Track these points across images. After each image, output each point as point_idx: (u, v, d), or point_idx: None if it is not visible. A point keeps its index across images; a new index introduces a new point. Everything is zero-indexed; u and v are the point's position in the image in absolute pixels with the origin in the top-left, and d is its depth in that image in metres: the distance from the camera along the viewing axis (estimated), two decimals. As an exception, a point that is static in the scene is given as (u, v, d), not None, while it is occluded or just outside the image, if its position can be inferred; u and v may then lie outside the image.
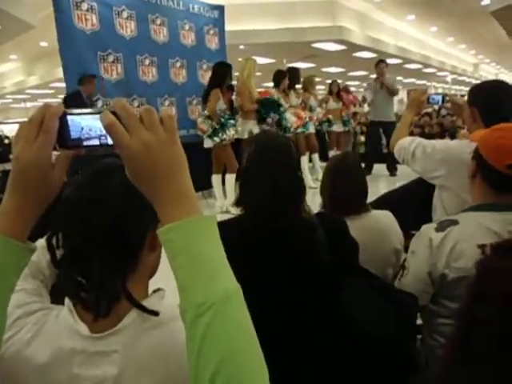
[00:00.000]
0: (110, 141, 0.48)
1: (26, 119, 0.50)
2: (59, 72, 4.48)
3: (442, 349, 1.18)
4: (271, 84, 4.58)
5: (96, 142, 0.50)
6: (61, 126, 0.49)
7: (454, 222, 1.18)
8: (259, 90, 4.58)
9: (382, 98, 5.01)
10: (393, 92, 5.00)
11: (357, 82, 20.43)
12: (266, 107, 4.13)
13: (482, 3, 9.58)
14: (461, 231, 1.15)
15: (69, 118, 0.49)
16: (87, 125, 0.49)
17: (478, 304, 0.58)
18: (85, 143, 0.50)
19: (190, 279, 0.44)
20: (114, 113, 0.45)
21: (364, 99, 5.79)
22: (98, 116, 0.47)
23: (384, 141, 5.26)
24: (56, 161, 0.50)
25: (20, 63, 13.63)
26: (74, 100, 4.06)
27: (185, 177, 0.47)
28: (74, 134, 0.49)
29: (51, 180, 0.50)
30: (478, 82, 1.97)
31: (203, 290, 0.43)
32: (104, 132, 0.48)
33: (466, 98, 1.61)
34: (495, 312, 0.56)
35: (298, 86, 5.10)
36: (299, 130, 4.66)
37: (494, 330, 0.53)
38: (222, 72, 3.90)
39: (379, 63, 5.16)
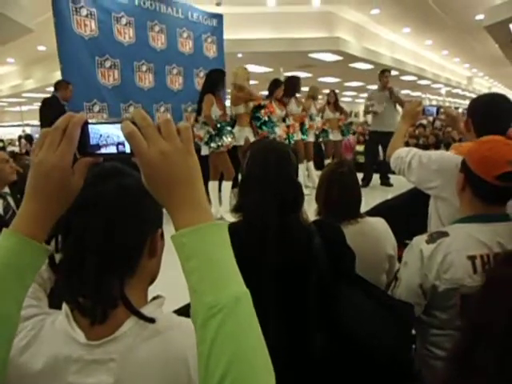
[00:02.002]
0: (127, 149, 0.51)
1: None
2: (56, 76, 4.48)
3: (439, 360, 1.18)
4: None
5: (114, 150, 0.52)
6: (82, 134, 0.52)
7: (445, 234, 1.19)
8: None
9: (386, 108, 4.89)
10: (401, 102, 4.83)
11: (353, 93, 20.61)
12: (263, 124, 4.16)
13: (476, 18, 9.75)
14: (451, 243, 1.16)
15: (89, 126, 0.52)
16: (106, 133, 0.52)
17: (485, 315, 0.57)
18: (103, 151, 0.52)
19: (202, 282, 0.45)
20: (133, 123, 0.48)
21: (355, 114, 5.80)
22: (116, 125, 0.50)
23: (381, 151, 5.22)
24: (75, 167, 0.53)
25: (17, 67, 13.60)
26: (52, 104, 4.11)
27: (198, 185, 0.50)
28: (93, 142, 0.52)
29: (70, 185, 0.52)
30: (472, 95, 2.00)
31: (214, 293, 0.45)
32: (122, 140, 0.51)
33: (460, 110, 1.63)
34: (503, 324, 0.55)
35: (299, 95, 5.13)
36: (300, 137, 4.70)
37: (500, 343, 0.52)
38: (214, 78, 3.89)
39: (384, 72, 5.01)
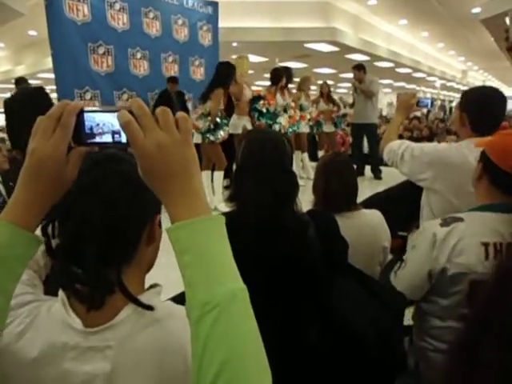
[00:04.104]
0: (123, 139, 0.50)
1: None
2: (48, 62, 4.42)
3: (439, 352, 1.18)
4: (263, 82, 4.58)
5: (109, 139, 0.51)
6: (77, 122, 0.50)
7: (459, 219, 1.19)
8: (255, 88, 4.57)
9: (360, 101, 5.02)
10: (367, 94, 4.95)
11: (348, 84, 20.55)
12: (261, 115, 4.14)
13: (473, 11, 9.73)
14: (465, 228, 1.16)
15: (85, 115, 0.51)
16: (101, 121, 0.51)
17: (493, 311, 0.55)
18: (98, 140, 0.51)
19: (197, 278, 0.44)
20: (130, 112, 0.47)
21: (350, 105, 5.82)
22: (113, 114, 0.49)
23: (365, 143, 5.28)
24: (70, 156, 0.51)
25: (7, 52, 13.32)
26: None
27: (196, 177, 0.49)
28: (88, 131, 0.51)
29: (64, 175, 0.51)
30: (466, 88, 2.00)
31: (209, 289, 0.44)
32: (117, 129, 0.49)
33: (454, 103, 1.63)
34: (511, 322, 0.53)
35: (291, 86, 5.10)
36: (289, 130, 4.67)
37: (507, 341, 0.51)
38: (226, 73, 3.81)
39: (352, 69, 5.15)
